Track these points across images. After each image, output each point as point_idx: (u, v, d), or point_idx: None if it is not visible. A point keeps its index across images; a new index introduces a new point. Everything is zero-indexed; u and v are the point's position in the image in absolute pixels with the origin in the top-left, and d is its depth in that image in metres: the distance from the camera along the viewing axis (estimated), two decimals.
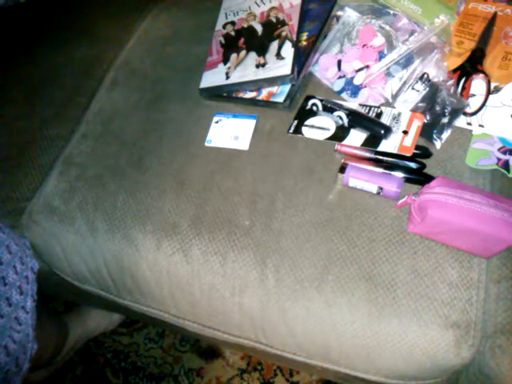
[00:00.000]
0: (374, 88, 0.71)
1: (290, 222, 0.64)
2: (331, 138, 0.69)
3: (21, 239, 0.69)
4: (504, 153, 0.64)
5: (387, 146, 0.66)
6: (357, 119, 0.68)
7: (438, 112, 0.67)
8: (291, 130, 0.72)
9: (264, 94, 0.75)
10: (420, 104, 0.69)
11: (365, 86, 0.72)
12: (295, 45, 0.73)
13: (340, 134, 0.69)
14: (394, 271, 0.59)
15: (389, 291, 0.58)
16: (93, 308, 1.09)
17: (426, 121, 0.67)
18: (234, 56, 0.79)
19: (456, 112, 0.67)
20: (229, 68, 0.78)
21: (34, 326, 0.64)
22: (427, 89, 0.69)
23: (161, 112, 0.81)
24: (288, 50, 0.73)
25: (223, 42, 0.82)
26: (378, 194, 0.63)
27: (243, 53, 0.78)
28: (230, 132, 0.74)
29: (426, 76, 0.69)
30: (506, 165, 0.63)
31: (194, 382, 1.06)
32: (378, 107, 0.70)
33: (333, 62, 0.75)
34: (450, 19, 0.74)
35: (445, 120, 0.67)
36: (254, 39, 0.79)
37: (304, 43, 0.75)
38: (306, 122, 0.72)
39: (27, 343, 0.62)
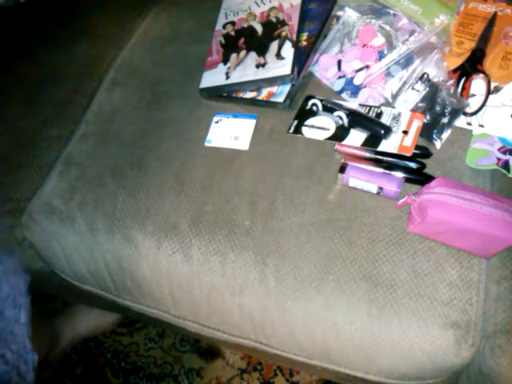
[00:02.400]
0: (374, 88, 0.71)
1: (290, 222, 0.64)
2: (331, 138, 0.69)
3: (11, 253, 0.69)
4: (504, 153, 0.64)
5: (387, 145, 0.66)
6: (357, 119, 0.68)
7: (438, 112, 0.67)
8: (291, 130, 0.72)
9: (264, 93, 0.75)
10: (420, 104, 0.69)
11: (365, 86, 0.72)
12: (295, 45, 0.73)
13: (340, 133, 0.69)
14: (394, 271, 0.59)
15: (389, 291, 0.58)
16: (85, 309, 1.08)
17: (425, 121, 0.67)
18: (234, 56, 0.79)
19: (456, 112, 0.67)
20: (229, 68, 0.78)
21: (30, 337, 0.64)
22: (427, 89, 0.69)
23: (161, 112, 0.81)
24: (288, 50, 0.73)
25: (223, 42, 0.82)
26: (378, 194, 0.63)
27: (243, 53, 0.78)
28: (229, 132, 0.74)
29: (426, 76, 0.69)
30: (505, 165, 0.63)
31: (194, 382, 1.06)
32: (378, 107, 0.70)
33: (333, 62, 0.75)
34: (450, 19, 0.74)
35: (445, 120, 0.67)
36: (254, 39, 0.79)
37: (304, 43, 0.75)
38: (306, 122, 0.72)
39: (26, 354, 0.62)
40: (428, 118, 0.67)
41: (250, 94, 0.76)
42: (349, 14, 0.79)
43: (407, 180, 0.64)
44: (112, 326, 1.13)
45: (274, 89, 0.75)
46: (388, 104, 0.71)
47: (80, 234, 0.71)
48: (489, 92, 0.67)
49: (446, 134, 0.67)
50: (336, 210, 0.64)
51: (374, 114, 0.70)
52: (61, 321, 1.04)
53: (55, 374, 1.11)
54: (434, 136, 0.67)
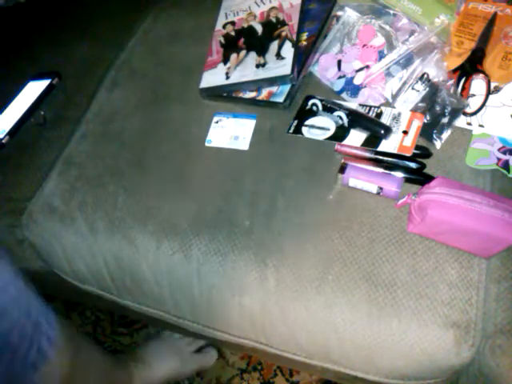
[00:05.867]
0: (374, 88, 0.71)
1: (290, 222, 0.64)
2: (331, 138, 0.69)
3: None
4: (504, 153, 0.64)
5: (387, 145, 0.66)
6: (357, 119, 0.68)
7: (438, 112, 0.67)
8: (291, 130, 0.72)
9: (264, 94, 0.75)
10: (420, 104, 0.69)
11: (365, 86, 0.72)
12: (295, 45, 0.73)
13: (340, 133, 0.69)
14: (394, 271, 0.59)
15: (389, 291, 0.58)
16: (163, 356, 0.97)
17: (426, 121, 0.67)
18: (233, 56, 0.79)
19: (456, 112, 0.67)
20: (229, 68, 0.78)
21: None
22: (427, 89, 0.69)
23: (161, 112, 0.81)
24: (288, 50, 0.73)
25: (223, 42, 0.82)
26: (378, 194, 0.63)
27: (243, 53, 0.78)
28: (229, 132, 0.74)
29: (426, 76, 0.69)
30: (506, 165, 0.63)
31: (194, 382, 1.06)
32: (378, 107, 0.70)
33: (333, 62, 0.75)
34: (450, 19, 0.74)
35: (445, 120, 0.67)
36: (254, 39, 0.79)
37: (304, 43, 0.75)
38: (306, 122, 0.72)
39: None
40: (428, 117, 0.67)
41: (249, 94, 0.77)
42: (349, 14, 0.79)
43: (407, 180, 0.64)
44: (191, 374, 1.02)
45: (274, 89, 0.75)
46: (388, 104, 0.71)
47: (80, 234, 0.71)
48: (489, 92, 0.67)
49: (446, 134, 0.67)
50: (336, 210, 0.64)
51: (373, 114, 0.70)
52: (136, 367, 0.91)
53: None
54: (434, 136, 0.67)
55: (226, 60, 0.79)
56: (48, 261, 0.79)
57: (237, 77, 0.76)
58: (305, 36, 0.76)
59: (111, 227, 0.70)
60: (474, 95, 0.68)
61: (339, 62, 0.74)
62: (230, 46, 0.80)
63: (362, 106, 0.71)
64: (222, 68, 0.79)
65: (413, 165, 0.65)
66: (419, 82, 0.70)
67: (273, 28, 0.77)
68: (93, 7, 1.06)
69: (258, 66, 0.75)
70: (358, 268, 0.60)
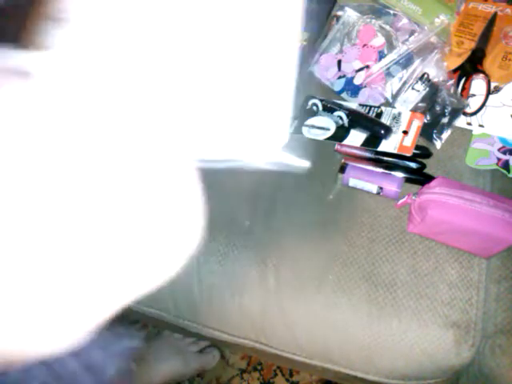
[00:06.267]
0: (374, 88, 0.71)
1: (290, 222, 0.64)
2: (331, 138, 0.69)
3: None
4: (504, 153, 0.64)
5: (387, 145, 0.66)
6: (357, 119, 0.68)
7: (438, 112, 0.67)
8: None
9: None
10: (420, 104, 0.69)
11: (365, 86, 0.72)
12: None
13: (340, 133, 0.69)
14: (394, 271, 0.59)
15: (389, 291, 0.58)
16: (162, 356, 0.97)
17: (426, 121, 0.67)
18: None
19: (456, 112, 0.67)
20: None
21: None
22: (427, 89, 0.69)
23: None
24: None
25: None
26: (378, 194, 0.63)
27: None
28: None
29: (426, 76, 0.69)
30: (506, 165, 0.63)
31: (194, 382, 1.06)
32: (378, 107, 0.70)
33: (333, 62, 0.75)
34: (450, 19, 0.74)
35: (445, 120, 0.67)
36: None
37: (304, 43, 0.75)
38: (306, 122, 0.72)
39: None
40: (428, 118, 0.67)
41: None
42: (349, 14, 0.79)
43: (407, 180, 0.64)
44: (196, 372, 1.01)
45: None
46: (388, 104, 0.71)
47: None
48: (489, 92, 0.67)
49: (446, 134, 0.67)
50: (336, 210, 0.64)
51: (374, 114, 0.70)
52: (137, 366, 0.90)
53: None
54: (434, 136, 0.67)
55: None
56: None
57: None
58: (305, 36, 0.76)
59: None
60: (474, 95, 0.68)
61: (339, 62, 0.74)
62: None
63: (362, 105, 0.71)
64: None
65: (413, 165, 0.65)
66: (419, 82, 0.70)
67: None
68: None
69: None
70: (358, 268, 0.60)
